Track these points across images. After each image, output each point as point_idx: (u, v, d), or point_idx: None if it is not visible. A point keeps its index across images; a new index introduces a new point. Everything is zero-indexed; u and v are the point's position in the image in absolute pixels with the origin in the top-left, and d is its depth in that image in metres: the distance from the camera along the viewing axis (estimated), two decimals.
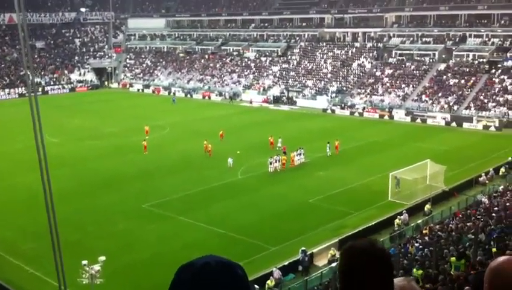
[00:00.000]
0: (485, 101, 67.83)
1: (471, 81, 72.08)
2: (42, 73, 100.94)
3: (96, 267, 21.68)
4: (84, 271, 21.71)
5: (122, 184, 41.78)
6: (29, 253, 29.33)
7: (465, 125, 63.60)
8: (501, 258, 2.35)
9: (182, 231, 32.98)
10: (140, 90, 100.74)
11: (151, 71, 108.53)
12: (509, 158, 44.49)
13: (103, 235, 31.94)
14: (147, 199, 38.26)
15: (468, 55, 77.88)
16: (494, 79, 70.94)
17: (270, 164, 44.61)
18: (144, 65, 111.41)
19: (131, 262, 28.66)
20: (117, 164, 47.53)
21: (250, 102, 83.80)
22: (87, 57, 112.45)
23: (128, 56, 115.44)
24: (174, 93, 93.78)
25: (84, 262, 21.91)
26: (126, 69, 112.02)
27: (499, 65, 73.19)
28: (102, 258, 22.06)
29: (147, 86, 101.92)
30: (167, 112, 75.77)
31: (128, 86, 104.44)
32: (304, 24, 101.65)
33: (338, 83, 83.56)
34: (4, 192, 39.97)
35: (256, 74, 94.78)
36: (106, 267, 22.49)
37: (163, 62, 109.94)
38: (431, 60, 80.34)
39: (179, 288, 2.00)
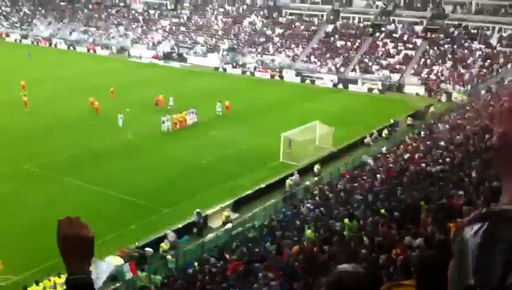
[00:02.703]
0: (369, 64, 70.72)
1: (357, 44, 74.70)
2: None
3: None
4: None
5: (1, 143, 38.94)
6: None
7: (351, 87, 66.04)
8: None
9: (70, 193, 31.49)
10: (18, 41, 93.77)
11: (29, 20, 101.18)
12: (391, 120, 46.89)
13: None
14: (30, 159, 36.03)
15: (354, 18, 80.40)
16: (377, 42, 73.99)
17: (163, 122, 43.65)
18: (21, 13, 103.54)
19: (12, 227, 26.97)
20: None
21: (140, 57, 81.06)
22: None
23: (3, 3, 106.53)
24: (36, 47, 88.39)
25: None
26: (1, 17, 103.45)
27: (383, 28, 76.30)
28: None
29: (25, 37, 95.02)
30: (49, 64, 71.28)
31: (4, 35, 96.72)
32: None
33: (229, 40, 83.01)
34: None
35: (144, 27, 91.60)
36: None
37: (43, 11, 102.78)
38: (319, 21, 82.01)
39: None
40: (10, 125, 43.28)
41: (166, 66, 77.19)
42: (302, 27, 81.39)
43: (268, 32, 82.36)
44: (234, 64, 76.11)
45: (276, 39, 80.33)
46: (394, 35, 74.52)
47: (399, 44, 72.50)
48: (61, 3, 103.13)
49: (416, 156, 32.23)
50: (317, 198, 29.90)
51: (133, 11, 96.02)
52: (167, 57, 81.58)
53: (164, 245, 25.48)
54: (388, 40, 73.72)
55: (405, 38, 73.46)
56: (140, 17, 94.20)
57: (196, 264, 22.41)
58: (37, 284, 21.48)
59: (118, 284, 22.88)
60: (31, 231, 26.78)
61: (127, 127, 43.41)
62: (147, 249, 25.31)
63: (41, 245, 25.41)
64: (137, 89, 57.19)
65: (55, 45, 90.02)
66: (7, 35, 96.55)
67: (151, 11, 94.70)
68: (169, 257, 24.54)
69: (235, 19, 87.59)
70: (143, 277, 22.68)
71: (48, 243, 25.15)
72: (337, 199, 28.72)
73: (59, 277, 21.91)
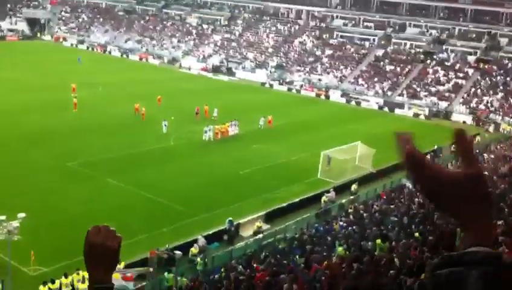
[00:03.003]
0: (418, 89, 69.89)
1: (407, 69, 74.01)
2: None
3: (15, 223, 20.78)
4: (1, 227, 20.76)
5: (49, 141, 40.26)
6: None
7: (397, 111, 65.33)
8: None
9: (109, 193, 32.19)
10: (74, 46, 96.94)
11: (87, 27, 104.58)
12: (435, 146, 46.06)
13: (25, 192, 30.64)
14: (74, 157, 37.08)
15: (406, 44, 79.77)
16: (428, 69, 73.12)
17: (205, 132, 44.21)
18: (80, 20, 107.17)
19: (52, 221, 27.70)
20: (45, 119, 45.64)
21: (189, 68, 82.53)
22: (20, 5, 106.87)
23: (64, 9, 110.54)
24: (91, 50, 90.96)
25: (2, 217, 20.93)
26: (61, 22, 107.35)
27: (434, 56, 75.46)
28: (22, 215, 21.18)
29: (82, 42, 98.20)
30: (102, 70, 73.35)
31: (61, 39, 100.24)
32: None
33: (278, 58, 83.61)
34: None
35: (197, 40, 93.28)
36: (26, 224, 21.58)
37: (101, 19, 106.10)
38: (370, 45, 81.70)
39: None
40: (58, 125, 44.63)
41: (215, 78, 78.22)
42: (352, 49, 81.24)
43: (318, 52, 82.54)
44: (281, 81, 76.50)
45: (325, 60, 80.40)
46: (446, 63, 73.52)
47: (450, 72, 71.42)
48: (119, 13, 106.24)
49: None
50: (351, 216, 29.59)
51: (187, 25, 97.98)
52: (216, 70, 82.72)
53: (193, 249, 25.65)
54: (439, 68, 72.74)
55: (457, 67, 72.33)
56: (194, 31, 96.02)
57: (222, 270, 22.46)
58: (66, 277, 21.91)
59: (144, 283, 23.17)
60: (66, 226, 27.42)
61: (170, 134, 44.14)
62: (177, 251, 25.49)
63: (73, 240, 25.96)
64: (184, 99, 58.10)
65: (110, 52, 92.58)
66: (64, 39, 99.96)
67: (205, 26, 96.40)
68: (198, 259, 24.70)
69: (286, 38, 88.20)
70: (170, 278, 22.86)
71: (80, 238, 25.95)
72: (371, 218, 28.34)
73: None
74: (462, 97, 67.16)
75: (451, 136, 1.57)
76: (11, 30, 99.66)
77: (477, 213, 1.42)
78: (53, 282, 21.50)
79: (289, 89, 73.69)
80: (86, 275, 21.70)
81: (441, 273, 1.35)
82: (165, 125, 44.48)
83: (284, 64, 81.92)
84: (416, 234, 21.80)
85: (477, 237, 1.40)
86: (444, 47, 76.60)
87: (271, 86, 75.26)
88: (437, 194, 1.45)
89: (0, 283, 20.48)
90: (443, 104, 66.25)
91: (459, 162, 1.47)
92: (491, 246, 1.39)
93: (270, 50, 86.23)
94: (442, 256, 1.38)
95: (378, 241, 22.34)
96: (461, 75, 70.70)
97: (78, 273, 22.19)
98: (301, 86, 74.34)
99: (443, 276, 1.35)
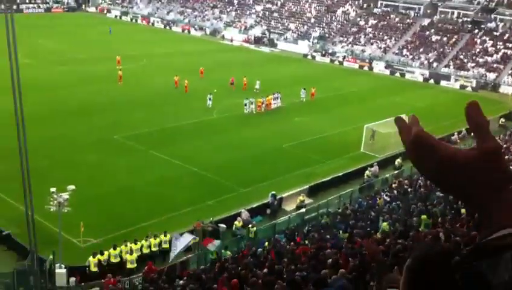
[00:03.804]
0: (465, 60, 67.96)
1: (453, 40, 71.93)
2: None
3: (65, 195, 21.38)
4: (52, 199, 21.40)
5: (95, 114, 41.03)
6: None
7: (443, 83, 63.82)
8: None
9: (153, 165, 32.74)
10: (118, 17, 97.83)
11: None
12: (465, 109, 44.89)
13: (73, 165, 31.47)
14: (119, 130, 37.76)
15: (453, 13, 77.39)
16: (475, 39, 70.87)
17: (245, 105, 44.22)
18: None
19: (99, 193, 28.45)
20: (90, 92, 46.49)
21: (231, 40, 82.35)
22: None
23: None
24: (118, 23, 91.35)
25: (53, 190, 21.52)
26: None
27: (482, 26, 72.99)
28: (72, 187, 21.70)
29: (125, 13, 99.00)
30: (145, 42, 73.93)
31: (105, 11, 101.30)
32: None
33: (321, 29, 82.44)
34: None
35: (238, 11, 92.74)
36: (75, 196, 22.21)
37: None
38: (416, 14, 79.60)
39: None
40: (104, 98, 45.42)
41: (256, 50, 77.92)
42: (396, 19, 79.37)
43: (362, 22, 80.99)
44: (323, 52, 75.56)
45: (369, 30, 78.85)
46: (494, 33, 71.06)
47: (499, 42, 69.06)
48: None
49: (506, 158, 30.76)
50: (395, 191, 29.36)
51: None
52: (258, 41, 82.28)
53: (237, 223, 26.00)
54: (487, 38, 70.40)
55: (506, 36, 69.84)
56: (236, 1, 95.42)
57: (266, 243, 22.72)
58: (115, 248, 22.56)
59: (190, 255, 23.69)
60: (114, 198, 28.21)
61: (214, 107, 44.35)
62: (221, 225, 25.93)
63: (120, 212, 26.81)
64: (226, 71, 58.12)
65: (153, 24, 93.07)
66: (108, 11, 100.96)
67: None
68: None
69: (329, 7, 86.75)
70: (214, 251, 23.28)
71: (128, 210, 26.42)
72: (416, 194, 28.07)
73: (135, 244, 22.99)
74: (511, 68, 64.96)
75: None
76: (56, 2, 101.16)
77: (499, 185, 1.30)
78: (102, 253, 22.19)
79: (332, 61, 72.78)
80: (134, 246, 22.43)
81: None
82: (210, 99, 44.42)
83: (327, 35, 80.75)
84: (463, 210, 21.47)
85: (502, 217, 1.29)
86: (492, 16, 73.89)
87: (313, 57, 74.47)
88: (451, 179, 1.32)
89: (52, 254, 21.19)
90: (491, 76, 64.30)
91: (473, 138, 1.33)
92: None
93: (312, 20, 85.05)
94: (473, 245, 1.27)
95: (424, 216, 22.16)
96: (510, 45, 68.23)
97: (126, 245, 22.85)
98: (344, 57, 73.30)
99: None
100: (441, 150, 1.32)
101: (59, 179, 26.76)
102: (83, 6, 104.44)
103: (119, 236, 24.22)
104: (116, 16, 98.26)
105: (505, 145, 35.39)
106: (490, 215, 1.30)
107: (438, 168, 1.32)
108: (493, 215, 1.29)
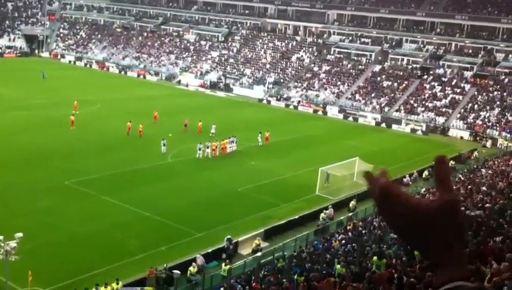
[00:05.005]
0: (415, 105, 70.08)
1: (404, 85, 74.26)
2: None
3: (12, 243, 20.58)
4: None
5: (47, 160, 40.10)
6: None
7: (394, 127, 65.47)
8: None
9: (106, 211, 31.97)
10: (72, 62, 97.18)
11: (85, 43, 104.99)
12: (433, 162, 46.01)
13: (24, 212, 30.39)
14: (72, 175, 36.87)
15: (403, 60, 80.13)
16: (425, 85, 73.38)
17: (199, 149, 44.01)
18: (78, 36, 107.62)
19: (50, 241, 27.46)
20: (43, 138, 45.57)
21: (187, 85, 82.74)
22: (19, 22, 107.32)
23: (62, 25, 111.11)
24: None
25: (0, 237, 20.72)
26: (59, 38, 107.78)
27: (431, 72, 75.78)
28: (19, 234, 20.92)
29: (80, 59, 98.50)
30: (99, 87, 73.46)
31: (59, 56, 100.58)
32: (246, 12, 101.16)
33: (276, 74, 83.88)
34: None
35: (194, 57, 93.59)
36: (24, 244, 21.39)
37: (99, 35, 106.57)
38: (367, 61, 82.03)
39: None
40: (55, 143, 44.54)
41: (212, 94, 78.40)
42: (349, 66, 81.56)
43: (315, 68, 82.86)
44: (278, 97, 76.65)
45: (323, 75, 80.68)
46: (443, 78, 73.80)
47: (447, 88, 71.69)
48: (117, 30, 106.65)
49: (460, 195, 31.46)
50: (350, 233, 29.45)
51: (185, 41, 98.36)
52: (214, 86, 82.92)
53: (192, 268, 25.46)
54: (436, 84, 73.01)
55: (453, 82, 72.60)
56: (192, 47, 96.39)
57: (222, 289, 22.28)
58: None
59: None
60: (65, 245, 27.27)
61: (168, 151, 44.00)
62: (175, 271, 25.31)
63: (71, 260, 25.90)
64: (182, 115, 58.03)
65: (108, 69, 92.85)
66: (62, 56, 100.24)
67: (203, 42, 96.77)
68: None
69: (284, 54, 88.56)
70: None
71: (79, 258, 25.60)
72: (370, 236, 28.21)
73: None
74: (459, 112, 67.34)
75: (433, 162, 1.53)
76: (9, 47, 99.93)
77: (452, 242, 1.40)
78: None
79: (287, 105, 73.83)
80: None
81: None
82: (164, 144, 44.07)
83: (282, 80, 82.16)
84: (416, 252, 21.66)
85: (454, 269, 1.38)
86: (440, 62, 76.91)
87: (268, 102, 75.40)
88: (411, 228, 1.42)
89: None
90: (440, 120, 66.43)
91: (436, 189, 1.46)
92: (470, 276, 1.37)
93: (267, 66, 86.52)
94: None
95: (375, 258, 22.23)
96: (458, 90, 70.95)
97: None
98: (299, 102, 74.49)
99: None
100: (406, 200, 1.42)
101: (8, 227, 25.72)
102: (36, 51, 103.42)
103: (69, 285, 23.29)
104: (70, 61, 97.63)
105: (454, 187, 36.19)
106: (444, 266, 1.38)
107: (401, 218, 1.42)
108: (448, 265, 1.38)
